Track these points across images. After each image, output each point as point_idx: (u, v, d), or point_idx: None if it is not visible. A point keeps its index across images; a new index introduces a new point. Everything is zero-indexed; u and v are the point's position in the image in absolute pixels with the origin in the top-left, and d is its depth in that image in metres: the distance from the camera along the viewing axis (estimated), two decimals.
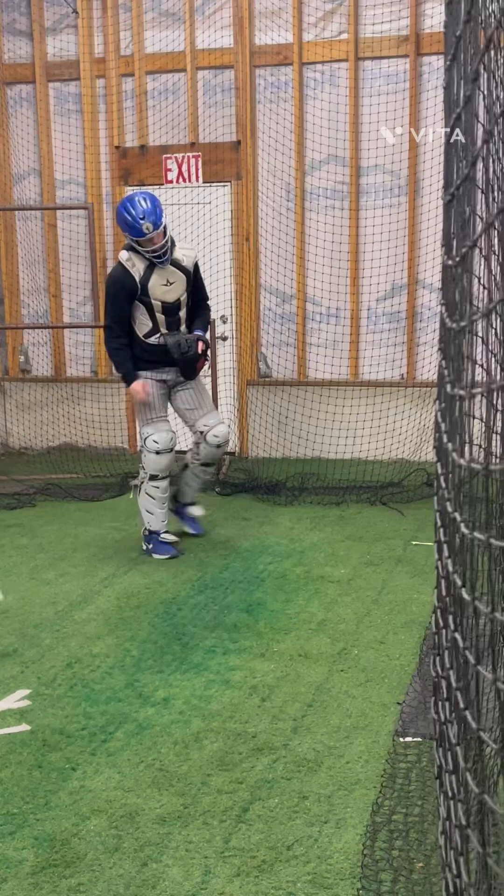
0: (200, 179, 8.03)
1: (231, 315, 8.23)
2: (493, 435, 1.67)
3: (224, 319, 8.21)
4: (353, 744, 3.54)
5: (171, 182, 8.11)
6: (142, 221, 5.39)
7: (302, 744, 3.55)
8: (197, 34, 7.97)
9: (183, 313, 5.75)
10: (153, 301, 5.62)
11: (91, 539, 6.23)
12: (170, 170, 8.08)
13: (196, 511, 6.25)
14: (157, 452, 5.74)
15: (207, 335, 5.89)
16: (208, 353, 5.90)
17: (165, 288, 5.62)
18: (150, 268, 5.57)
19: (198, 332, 5.78)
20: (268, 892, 2.74)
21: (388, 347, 7.99)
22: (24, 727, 3.75)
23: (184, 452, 6.20)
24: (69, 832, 3.06)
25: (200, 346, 5.75)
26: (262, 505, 6.92)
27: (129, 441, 8.68)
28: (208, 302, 5.98)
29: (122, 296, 5.60)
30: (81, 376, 8.78)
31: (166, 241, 5.52)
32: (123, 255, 5.62)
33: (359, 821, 3.06)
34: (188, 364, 5.74)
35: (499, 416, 1.88)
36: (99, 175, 8.36)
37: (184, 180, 8.07)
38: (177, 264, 5.65)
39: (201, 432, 5.86)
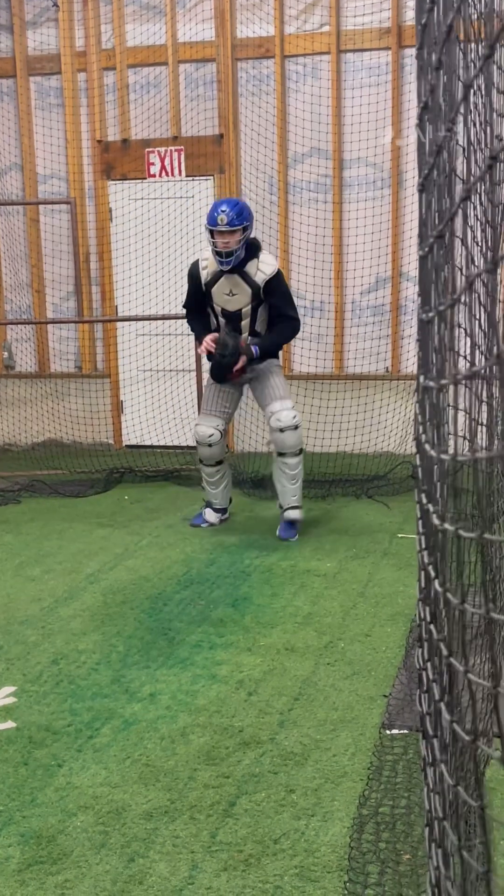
0: (183, 173, 8.00)
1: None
2: (476, 426, 1.66)
3: None
4: (339, 737, 3.54)
5: (154, 176, 8.08)
6: (220, 212, 5.60)
7: (289, 737, 3.55)
8: (178, 27, 7.93)
9: (246, 323, 5.87)
10: (215, 305, 5.87)
11: (76, 535, 6.22)
12: (152, 164, 8.05)
13: (292, 514, 6.01)
14: (197, 442, 6.18)
15: (257, 351, 5.82)
16: (246, 368, 5.89)
17: (227, 297, 5.81)
18: (220, 274, 5.77)
19: (253, 345, 5.83)
20: (255, 886, 2.74)
21: (373, 340, 8.00)
22: (10, 724, 3.73)
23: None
24: (55, 829, 3.05)
25: (242, 360, 5.79)
26: (247, 499, 6.91)
27: (114, 437, 8.66)
28: (292, 322, 5.89)
29: (191, 286, 5.92)
30: (66, 372, 8.75)
31: (236, 248, 5.63)
32: (204, 254, 5.89)
33: (346, 813, 3.06)
34: (219, 368, 5.87)
35: (480, 406, 1.87)
36: (81, 169, 8.32)
37: (166, 174, 8.04)
38: (246, 277, 5.77)
39: (268, 419, 6.01)
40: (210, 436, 6.06)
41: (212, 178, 8.03)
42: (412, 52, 7.50)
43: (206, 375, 8.01)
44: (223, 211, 5.58)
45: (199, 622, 4.68)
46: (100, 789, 3.26)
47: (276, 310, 5.85)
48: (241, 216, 5.62)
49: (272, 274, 5.76)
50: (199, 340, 6.01)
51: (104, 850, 2.93)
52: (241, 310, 5.82)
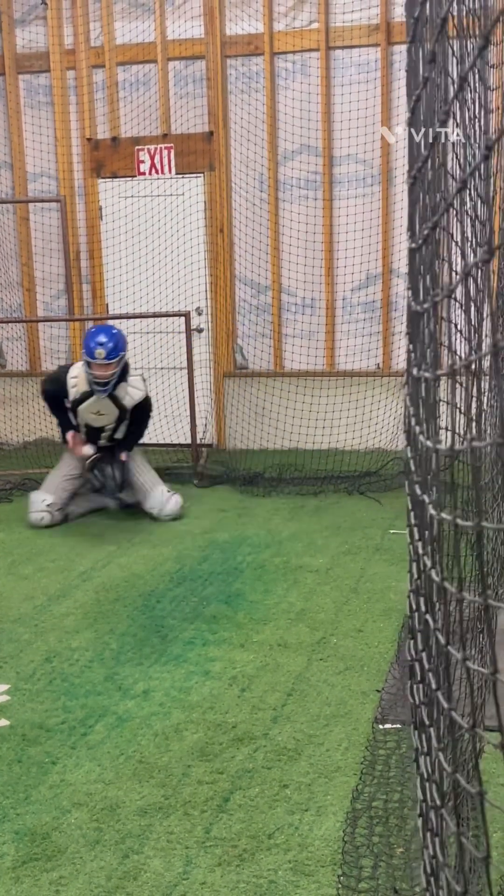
0: (173, 171, 8.00)
1: (206, 307, 8.21)
2: (463, 418, 1.67)
3: (199, 311, 8.19)
4: (332, 732, 3.55)
5: (144, 174, 8.08)
6: (99, 347, 5.85)
7: (282, 733, 3.56)
8: (167, 24, 7.93)
9: (107, 435, 6.21)
10: (79, 418, 6.13)
11: (69, 533, 6.21)
12: (142, 161, 8.05)
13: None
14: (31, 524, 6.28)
15: (125, 457, 6.32)
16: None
17: (94, 416, 6.08)
18: (89, 394, 6.01)
19: (122, 455, 6.26)
20: (249, 881, 2.75)
21: (364, 337, 8.00)
22: (4, 722, 3.73)
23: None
24: (50, 826, 3.05)
25: (123, 456, 6.26)
26: (240, 496, 6.92)
27: None
28: (138, 436, 6.38)
29: (57, 391, 6.16)
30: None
31: (112, 376, 5.93)
32: (73, 371, 6.10)
33: (339, 808, 3.07)
34: (112, 492, 6.33)
35: (468, 399, 1.88)
36: (71, 167, 8.30)
37: (156, 172, 8.04)
38: (115, 400, 6.04)
39: (153, 512, 6.33)
40: (41, 519, 6.25)
41: (202, 175, 8.03)
42: (401, 48, 7.50)
43: (198, 372, 8.02)
44: (101, 343, 5.84)
45: (191, 619, 4.69)
46: (94, 786, 3.26)
47: (134, 426, 6.27)
48: (118, 348, 5.89)
49: (140, 399, 6.13)
50: (64, 431, 6.25)
51: (98, 846, 2.94)
52: (104, 427, 6.16)
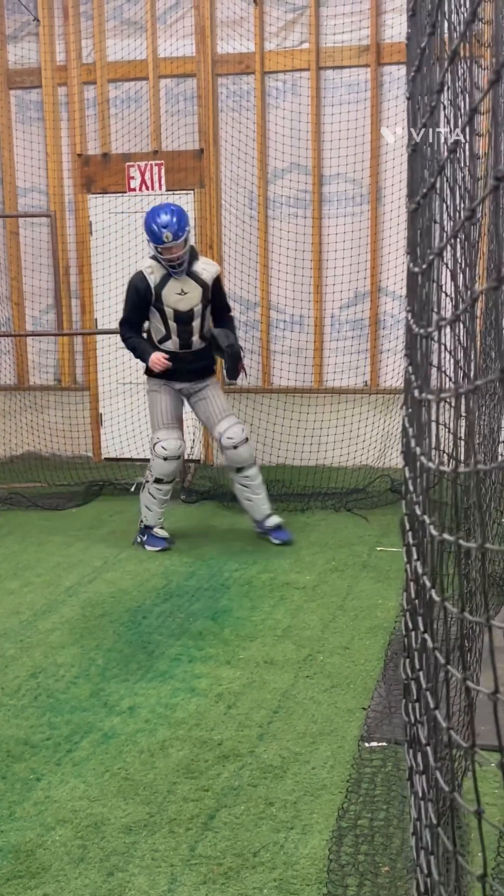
0: (163, 187, 8.03)
1: None
2: (457, 439, 1.68)
3: None
4: (318, 749, 3.55)
5: (134, 190, 8.10)
6: (164, 230, 5.70)
7: (268, 750, 3.56)
8: (159, 43, 7.97)
9: (197, 323, 5.97)
10: (166, 308, 5.90)
11: (55, 548, 6.20)
12: (132, 178, 8.08)
13: (274, 520, 6.20)
14: (165, 458, 6.01)
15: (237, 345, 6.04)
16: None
17: (179, 297, 5.89)
18: (167, 277, 5.86)
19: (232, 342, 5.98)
20: None
21: (352, 355, 8.04)
22: None
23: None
24: (34, 843, 3.03)
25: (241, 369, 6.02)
26: (227, 512, 6.91)
27: (93, 449, 8.65)
28: (231, 313, 6.19)
29: (136, 299, 5.93)
30: (45, 385, 8.73)
31: (184, 254, 5.80)
32: (145, 263, 5.97)
33: (325, 826, 3.07)
34: (234, 358, 5.96)
35: (462, 421, 1.90)
36: (61, 183, 8.33)
37: (147, 188, 8.07)
38: (194, 276, 5.92)
39: (218, 439, 6.09)
40: (180, 447, 6.04)
41: (192, 192, 8.06)
42: (391, 69, 7.58)
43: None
44: (165, 226, 5.71)
45: (178, 635, 4.68)
46: (78, 803, 3.25)
47: (220, 303, 6.06)
48: (182, 225, 5.75)
49: (217, 272, 6.03)
50: (143, 356, 5.99)
51: (83, 863, 2.92)
52: (192, 309, 5.93)
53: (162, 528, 6.19)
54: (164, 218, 5.73)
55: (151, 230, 5.76)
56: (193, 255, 5.95)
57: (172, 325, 5.93)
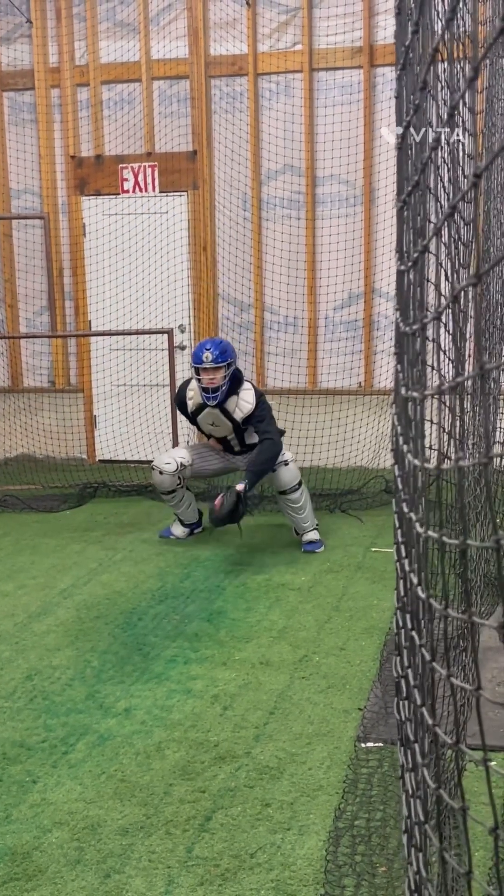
0: (157, 189, 8.03)
1: (189, 324, 8.23)
2: (445, 436, 1.69)
3: (182, 329, 8.21)
4: (315, 750, 3.55)
5: (128, 192, 8.11)
6: (205, 351, 5.82)
7: (264, 751, 3.55)
8: (152, 44, 7.98)
9: (234, 441, 6.13)
10: (203, 427, 6.15)
11: (50, 550, 6.19)
12: (126, 179, 8.08)
13: (309, 536, 6.11)
14: (156, 470, 6.15)
15: (247, 486, 5.71)
16: (241, 507, 5.70)
17: (211, 427, 6.08)
18: (203, 405, 5.98)
19: (239, 485, 5.69)
20: None
21: (346, 356, 8.04)
22: None
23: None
24: (30, 845, 3.03)
25: (239, 486, 5.68)
26: None
27: (87, 451, 8.64)
28: (273, 444, 5.88)
29: (181, 411, 6.24)
30: (39, 387, 8.73)
31: (222, 384, 5.83)
32: (191, 384, 6.08)
33: (321, 827, 3.06)
34: (222, 519, 5.72)
35: (450, 417, 1.90)
36: (55, 185, 8.32)
37: (140, 190, 8.07)
38: (226, 412, 5.96)
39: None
40: (167, 463, 6.10)
41: (185, 194, 8.06)
42: (384, 70, 7.59)
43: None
44: (208, 349, 5.81)
45: (173, 637, 4.68)
46: (75, 805, 3.25)
47: (257, 431, 5.98)
48: (225, 354, 5.84)
49: (249, 412, 5.94)
50: None
51: (80, 866, 2.92)
52: (225, 437, 6.11)
53: (187, 524, 6.39)
54: (209, 344, 5.90)
55: (194, 353, 5.91)
56: (234, 388, 5.89)
57: (213, 438, 6.21)
